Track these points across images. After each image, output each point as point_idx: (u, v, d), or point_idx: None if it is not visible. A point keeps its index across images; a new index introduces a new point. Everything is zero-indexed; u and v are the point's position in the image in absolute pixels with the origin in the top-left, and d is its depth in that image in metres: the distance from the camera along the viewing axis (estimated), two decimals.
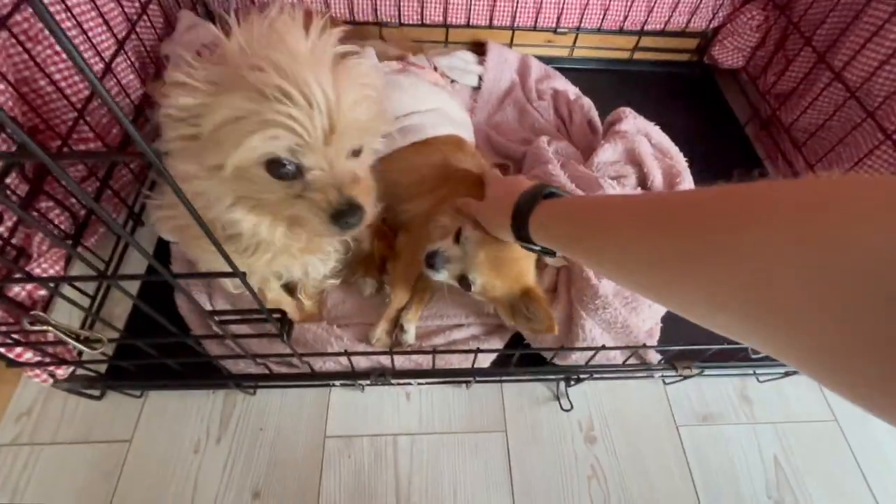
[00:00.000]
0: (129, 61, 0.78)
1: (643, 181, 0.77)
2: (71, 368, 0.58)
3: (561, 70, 1.13)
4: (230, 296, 0.71)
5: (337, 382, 0.70)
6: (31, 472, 0.65)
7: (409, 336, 0.71)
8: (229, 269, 0.37)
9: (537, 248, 0.52)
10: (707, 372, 0.72)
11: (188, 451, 0.67)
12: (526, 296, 0.61)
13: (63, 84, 0.66)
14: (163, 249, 0.78)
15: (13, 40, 0.59)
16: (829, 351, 0.19)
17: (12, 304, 0.53)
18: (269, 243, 0.49)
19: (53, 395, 0.70)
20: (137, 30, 0.81)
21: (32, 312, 0.43)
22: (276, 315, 0.46)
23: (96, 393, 0.68)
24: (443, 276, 0.62)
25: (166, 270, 0.37)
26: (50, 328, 0.45)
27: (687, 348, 0.64)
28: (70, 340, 0.46)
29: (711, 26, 1.15)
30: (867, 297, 0.17)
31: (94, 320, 0.68)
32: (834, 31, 0.91)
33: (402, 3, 1.06)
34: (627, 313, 0.65)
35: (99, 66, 0.71)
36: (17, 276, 0.53)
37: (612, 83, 1.19)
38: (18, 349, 0.51)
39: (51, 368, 0.56)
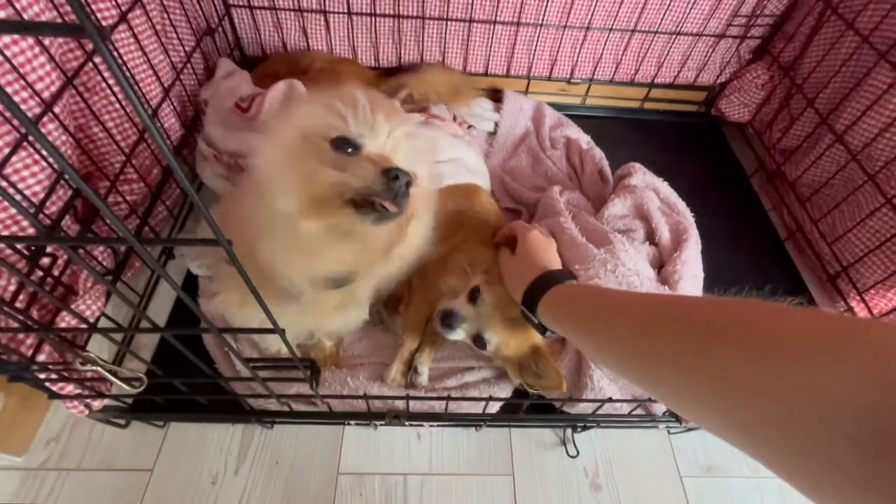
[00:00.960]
0: (172, 106, 0.84)
1: (651, 235, 0.81)
2: (105, 400, 0.62)
3: (573, 117, 1.18)
4: (252, 339, 0.74)
5: (352, 421, 0.72)
6: (56, 497, 0.67)
7: (423, 378, 0.73)
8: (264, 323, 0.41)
9: (535, 321, 0.57)
10: None
11: (207, 481, 0.70)
12: (535, 354, 0.64)
13: (114, 131, 0.71)
14: (191, 282, 0.82)
15: (74, 93, 0.65)
16: (798, 475, 0.23)
17: (60, 342, 0.56)
18: (307, 297, 0.51)
19: (81, 422, 0.73)
20: (181, 77, 0.87)
21: (84, 353, 0.47)
22: (307, 364, 0.49)
23: (122, 422, 0.71)
24: (458, 335, 0.66)
25: (208, 323, 0.40)
26: (99, 368, 0.48)
27: None
28: (115, 380, 0.50)
29: (718, 81, 1.21)
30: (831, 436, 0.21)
31: (124, 353, 0.72)
32: (837, 95, 0.95)
33: (424, 51, 1.12)
34: None
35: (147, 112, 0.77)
36: (62, 324, 0.57)
37: (623, 131, 1.24)
38: (61, 383, 0.55)
39: (87, 401, 0.59)
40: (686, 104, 1.27)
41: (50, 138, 0.57)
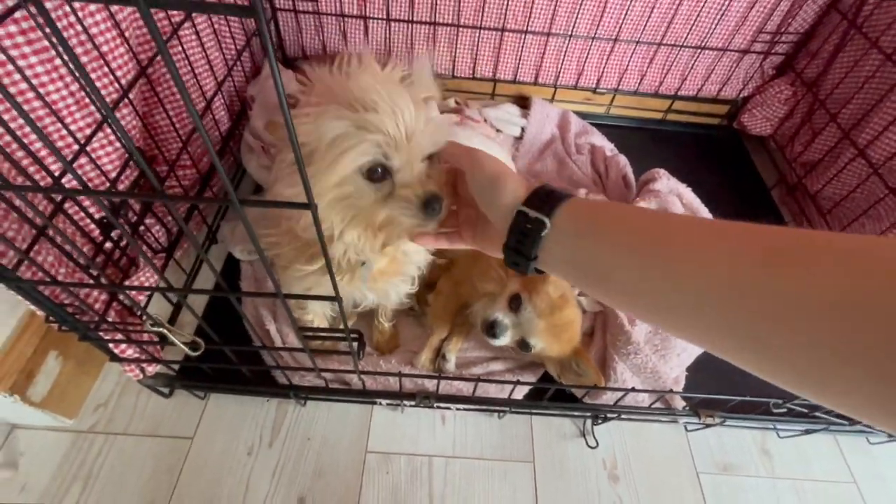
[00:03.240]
0: (223, 100, 0.89)
1: None
2: (158, 366, 0.66)
3: (597, 126, 1.22)
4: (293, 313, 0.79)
5: (382, 401, 0.76)
6: (104, 460, 0.71)
7: (451, 365, 0.77)
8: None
9: (530, 264, 0.38)
10: (728, 422, 0.76)
11: (243, 452, 0.73)
12: (577, 355, 0.68)
13: (175, 119, 0.77)
14: (232, 265, 0.87)
15: (144, 81, 0.70)
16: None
17: (124, 308, 0.61)
18: (353, 265, 0.55)
19: (128, 389, 0.77)
20: (232, 73, 0.93)
21: (154, 315, 0.51)
22: (354, 336, 0.53)
23: (166, 391, 0.76)
24: (503, 342, 0.69)
25: (275, 291, 0.44)
26: (164, 329, 0.53)
27: (711, 397, 0.68)
28: (177, 341, 0.54)
29: (741, 95, 1.24)
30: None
31: (176, 314, 0.76)
32: (859, 111, 0.98)
33: (456, 58, 1.17)
34: (657, 360, 0.70)
35: (201, 104, 0.82)
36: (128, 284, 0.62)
37: (645, 141, 1.27)
38: (124, 345, 0.59)
39: (143, 365, 0.64)
40: (708, 117, 1.30)
41: (123, 122, 0.62)
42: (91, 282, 0.52)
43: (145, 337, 0.63)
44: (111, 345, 0.59)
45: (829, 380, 0.23)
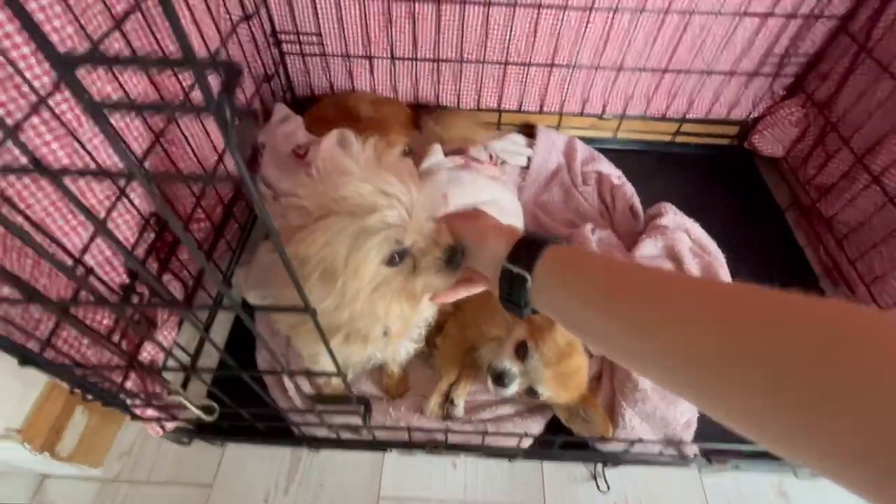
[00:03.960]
0: None
1: None
2: (176, 422, 0.69)
3: (605, 150, 1.22)
4: (303, 361, 0.81)
5: (393, 450, 0.77)
6: None
7: (459, 410, 0.78)
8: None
9: (524, 310, 0.42)
10: (743, 467, 0.75)
11: (259, 499, 0.76)
12: (584, 402, 0.68)
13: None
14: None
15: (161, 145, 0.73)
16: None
17: (144, 371, 0.64)
18: (365, 335, 0.57)
19: (149, 437, 0.80)
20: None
21: (171, 386, 0.54)
22: (361, 401, 0.54)
23: (186, 440, 0.78)
24: (511, 391, 0.70)
25: (280, 366, 0.46)
26: (181, 398, 0.55)
27: (723, 447, 0.67)
28: (193, 409, 0.56)
29: (751, 116, 1.22)
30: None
31: (189, 377, 0.79)
32: (873, 136, 0.96)
33: (461, 90, 1.18)
34: (665, 407, 0.70)
35: (213, 158, 0.85)
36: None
37: (654, 163, 1.26)
38: (144, 408, 0.62)
39: (163, 422, 0.67)
40: (718, 137, 1.28)
41: (140, 190, 0.65)
42: (114, 363, 0.55)
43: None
44: (133, 407, 0.61)
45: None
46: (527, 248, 0.42)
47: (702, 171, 1.25)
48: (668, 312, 0.31)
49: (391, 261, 0.47)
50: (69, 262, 0.55)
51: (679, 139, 1.28)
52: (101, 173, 0.58)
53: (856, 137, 0.99)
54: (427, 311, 0.65)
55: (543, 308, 0.41)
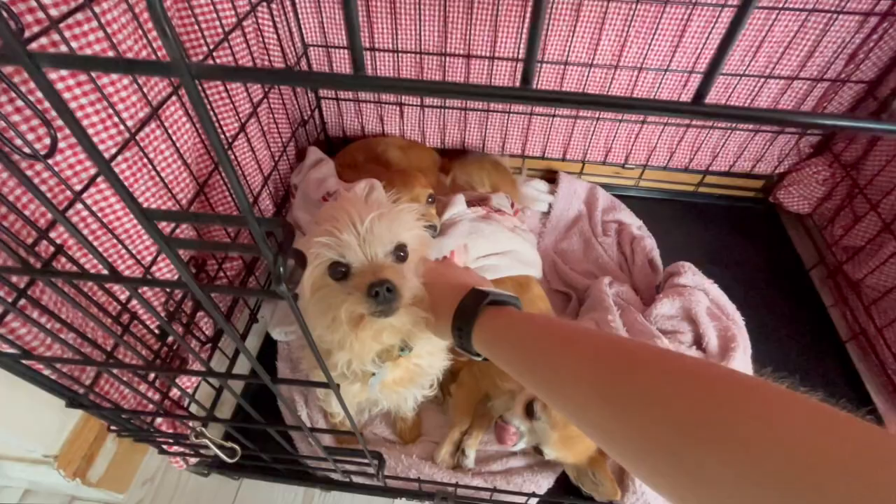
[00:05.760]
0: (269, 190, 0.98)
1: (698, 340, 0.83)
2: (198, 458, 0.72)
3: (626, 198, 1.23)
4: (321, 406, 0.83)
5: (401, 498, 0.79)
6: None
7: (470, 461, 0.79)
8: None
9: (479, 358, 0.49)
10: None
11: None
12: (593, 465, 0.69)
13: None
14: (270, 344, 0.94)
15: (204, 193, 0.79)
16: None
17: (173, 403, 0.68)
18: (362, 375, 0.59)
19: (172, 466, 0.84)
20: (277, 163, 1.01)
21: (197, 429, 0.57)
22: (375, 455, 0.56)
23: (205, 472, 0.82)
24: (519, 447, 0.71)
25: (302, 425, 0.49)
26: (206, 440, 0.58)
27: None
28: (217, 451, 0.59)
29: (777, 172, 1.21)
30: None
31: (210, 416, 0.83)
32: None
33: (486, 137, 1.22)
34: None
35: (249, 199, 0.91)
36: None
37: (676, 213, 1.26)
38: (172, 445, 0.66)
39: (187, 457, 0.70)
40: (742, 190, 1.28)
41: (182, 235, 0.70)
42: (151, 408, 0.59)
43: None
44: (162, 444, 0.65)
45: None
46: (466, 311, 0.48)
47: (725, 222, 1.25)
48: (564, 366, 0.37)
49: (334, 272, 0.51)
50: (118, 307, 0.60)
51: (702, 189, 1.29)
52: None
53: (884, 203, 0.97)
54: (434, 367, 0.66)
55: (489, 357, 0.46)
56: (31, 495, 0.82)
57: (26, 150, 0.46)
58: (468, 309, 0.47)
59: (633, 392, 0.31)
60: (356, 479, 0.75)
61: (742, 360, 0.78)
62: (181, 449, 0.67)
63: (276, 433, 0.54)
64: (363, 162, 1.08)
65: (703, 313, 0.83)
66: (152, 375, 0.65)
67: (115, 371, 0.57)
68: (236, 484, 0.82)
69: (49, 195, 0.53)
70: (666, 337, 0.81)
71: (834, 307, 1.08)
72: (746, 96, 1.06)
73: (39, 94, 0.47)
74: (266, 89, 0.92)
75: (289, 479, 0.80)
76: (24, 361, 0.45)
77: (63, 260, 0.51)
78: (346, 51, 1.08)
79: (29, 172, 0.51)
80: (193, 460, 0.72)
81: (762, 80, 1.03)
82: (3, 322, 0.43)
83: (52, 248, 0.48)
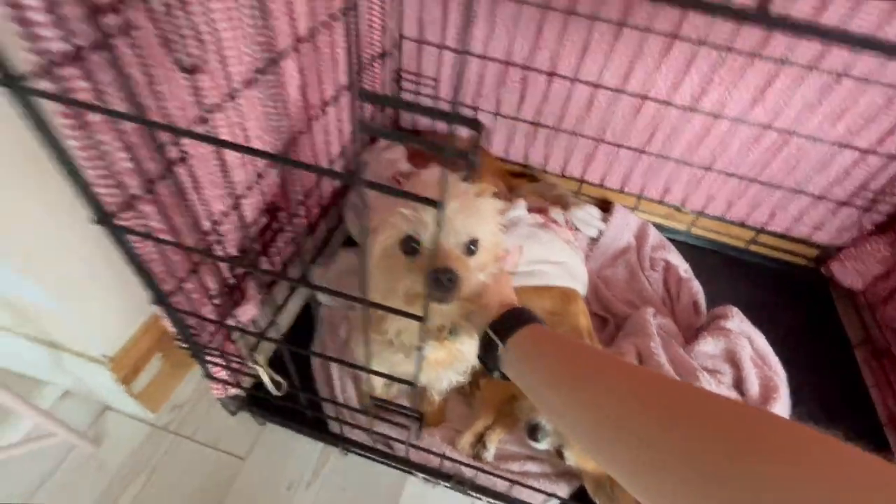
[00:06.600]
0: (342, 160, 1.03)
1: (738, 383, 0.82)
2: (237, 389, 0.75)
3: (676, 242, 1.24)
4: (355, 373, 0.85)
5: (417, 474, 0.79)
6: (169, 459, 0.80)
7: (489, 454, 0.79)
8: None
9: (495, 374, 0.49)
10: None
11: (283, 485, 0.79)
12: (612, 479, 0.69)
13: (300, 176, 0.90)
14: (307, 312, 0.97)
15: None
16: None
17: (228, 328, 0.71)
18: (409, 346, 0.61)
19: (203, 397, 0.87)
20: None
21: (255, 355, 0.60)
22: (416, 415, 0.58)
23: (233, 409, 0.84)
24: (544, 446, 0.72)
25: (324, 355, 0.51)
26: (260, 367, 0.61)
27: None
28: (267, 380, 0.62)
29: (834, 243, 1.20)
30: None
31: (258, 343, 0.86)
32: None
33: (549, 155, 1.26)
34: None
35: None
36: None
37: (724, 266, 1.26)
38: (221, 369, 0.69)
39: (228, 387, 0.73)
40: (794, 255, 1.27)
41: (267, 179, 0.75)
42: (218, 318, 0.63)
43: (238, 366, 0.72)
44: (212, 367, 0.68)
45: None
46: (510, 321, 0.48)
47: (772, 284, 1.24)
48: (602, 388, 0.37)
49: (406, 246, 0.53)
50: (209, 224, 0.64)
51: (753, 248, 1.28)
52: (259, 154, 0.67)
53: None
54: (473, 355, 0.68)
55: (511, 376, 0.47)
56: (68, 398, 0.86)
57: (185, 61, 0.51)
58: (510, 323, 0.48)
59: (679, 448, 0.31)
60: (377, 445, 0.76)
61: (783, 411, 0.77)
62: (225, 376, 0.70)
63: (320, 368, 0.56)
64: (431, 155, 1.13)
65: (746, 359, 0.83)
66: (217, 301, 0.69)
67: (191, 285, 0.61)
68: (259, 429, 0.84)
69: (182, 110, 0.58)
70: (706, 374, 0.80)
71: (875, 387, 1.05)
72: (818, 161, 1.07)
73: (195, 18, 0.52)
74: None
75: (313, 432, 0.81)
76: (139, 246, 0.49)
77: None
78: (436, 49, 1.14)
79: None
80: (234, 391, 0.75)
81: (838, 148, 1.03)
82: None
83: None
